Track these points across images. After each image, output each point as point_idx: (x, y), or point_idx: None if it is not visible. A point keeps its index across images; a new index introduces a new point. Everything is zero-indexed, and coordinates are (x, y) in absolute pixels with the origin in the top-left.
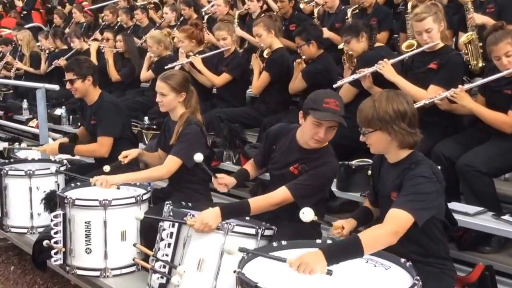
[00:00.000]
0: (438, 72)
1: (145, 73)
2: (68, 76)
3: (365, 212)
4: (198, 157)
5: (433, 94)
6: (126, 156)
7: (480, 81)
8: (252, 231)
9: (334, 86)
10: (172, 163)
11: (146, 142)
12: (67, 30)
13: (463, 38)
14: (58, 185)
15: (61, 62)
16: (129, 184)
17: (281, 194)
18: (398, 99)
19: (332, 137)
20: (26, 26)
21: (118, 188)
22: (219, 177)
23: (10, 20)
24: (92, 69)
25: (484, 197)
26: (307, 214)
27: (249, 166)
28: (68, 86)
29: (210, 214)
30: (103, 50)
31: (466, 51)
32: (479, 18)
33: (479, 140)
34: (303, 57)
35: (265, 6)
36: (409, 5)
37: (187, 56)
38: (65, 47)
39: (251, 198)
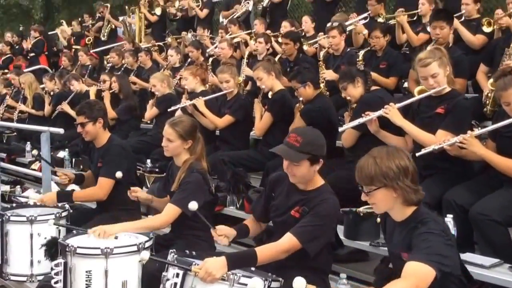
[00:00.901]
0: (445, 116)
1: (149, 113)
2: (80, 119)
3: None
4: (193, 205)
5: (441, 139)
6: (135, 192)
7: (490, 127)
8: None
9: (340, 130)
10: (171, 212)
11: (148, 186)
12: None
13: (491, 81)
14: (60, 231)
15: (64, 106)
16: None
17: (287, 241)
18: (399, 155)
19: (301, 172)
20: (32, 68)
21: (116, 238)
22: (218, 229)
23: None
24: (103, 112)
25: (500, 247)
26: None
27: (249, 222)
28: (79, 129)
29: (215, 263)
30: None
31: (489, 94)
32: None
33: (491, 187)
34: (301, 99)
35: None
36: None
37: (190, 99)
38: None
39: (258, 247)
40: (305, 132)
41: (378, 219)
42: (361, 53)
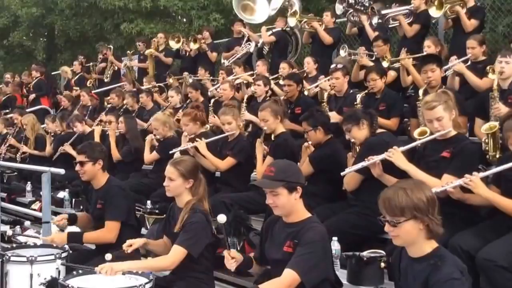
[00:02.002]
0: (451, 161)
1: (148, 155)
2: (80, 158)
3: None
4: (221, 218)
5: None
6: (131, 245)
7: (496, 169)
8: None
9: (342, 174)
10: (177, 253)
11: (148, 227)
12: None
13: (485, 126)
14: (59, 272)
15: (66, 147)
16: (131, 272)
17: (287, 275)
18: (427, 187)
19: (281, 201)
20: (33, 108)
21: (124, 273)
22: (231, 252)
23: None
24: (104, 154)
25: None
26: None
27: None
28: (77, 167)
29: None
30: (107, 133)
31: (486, 140)
32: (504, 109)
33: (498, 233)
34: (309, 142)
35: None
36: (420, 91)
37: (192, 141)
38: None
39: (262, 284)
40: (277, 162)
41: (383, 264)
42: (359, 96)
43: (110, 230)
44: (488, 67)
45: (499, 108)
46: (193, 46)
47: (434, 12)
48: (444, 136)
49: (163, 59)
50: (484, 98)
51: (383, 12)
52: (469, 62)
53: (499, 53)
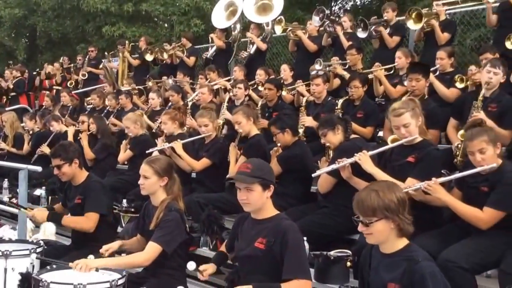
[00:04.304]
0: (416, 165)
1: (123, 155)
2: (55, 162)
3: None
4: (191, 266)
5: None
6: (108, 250)
7: (453, 176)
8: None
9: (313, 175)
10: (152, 250)
11: (123, 225)
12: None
13: (461, 132)
14: (33, 266)
15: (44, 149)
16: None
17: (297, 283)
18: (398, 188)
19: (254, 197)
20: (12, 107)
21: (97, 270)
22: (203, 270)
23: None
24: (78, 152)
25: None
26: None
27: (223, 248)
28: (55, 171)
29: None
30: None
31: (459, 145)
32: (483, 117)
33: (459, 236)
34: (279, 144)
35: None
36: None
37: (168, 141)
38: None
39: (283, 284)
40: (253, 160)
41: (349, 263)
42: (340, 102)
43: (89, 219)
44: (456, 76)
45: (478, 116)
46: (166, 56)
47: (412, 25)
48: (410, 142)
49: (130, 60)
50: (464, 102)
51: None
52: (437, 73)
53: (489, 63)
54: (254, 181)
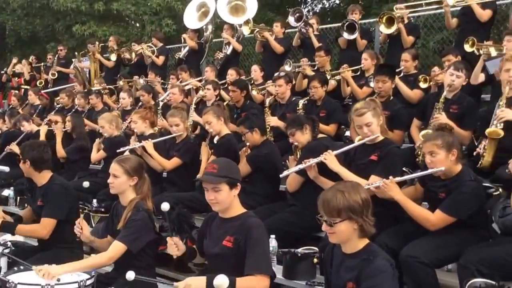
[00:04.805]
0: (378, 163)
1: (96, 155)
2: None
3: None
4: (165, 206)
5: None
6: (82, 228)
7: (407, 176)
8: None
9: (281, 175)
10: (116, 249)
11: (93, 225)
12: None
13: (423, 133)
14: (0, 268)
15: (13, 147)
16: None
17: (256, 278)
18: (363, 189)
19: (222, 196)
20: None
21: (59, 280)
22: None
23: None
24: (31, 154)
25: None
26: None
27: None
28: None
29: (197, 281)
30: (54, 133)
31: (421, 145)
32: (444, 120)
33: (421, 232)
34: (248, 144)
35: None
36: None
37: (139, 141)
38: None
39: (238, 278)
40: (219, 160)
41: (315, 260)
42: (301, 102)
43: (44, 227)
44: (420, 76)
45: (439, 118)
46: (134, 55)
47: (384, 29)
48: (373, 141)
49: (104, 61)
50: (427, 103)
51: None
52: (401, 74)
53: (452, 65)
54: (220, 181)
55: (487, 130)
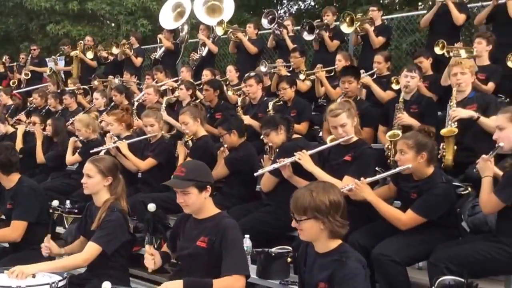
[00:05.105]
0: (352, 164)
1: (71, 157)
2: None
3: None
4: (151, 206)
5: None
6: (48, 248)
7: (378, 176)
8: None
9: (255, 174)
10: (91, 250)
11: (66, 226)
12: None
13: (389, 133)
14: None
15: None
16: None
17: (230, 278)
18: (333, 191)
19: (191, 200)
20: None
21: (34, 276)
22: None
23: None
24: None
25: (399, 285)
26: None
27: (166, 248)
28: None
29: (173, 285)
30: (32, 132)
31: (389, 146)
32: (407, 119)
33: (393, 230)
34: (225, 145)
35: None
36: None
37: (114, 142)
38: None
39: (215, 279)
40: (188, 163)
41: (289, 259)
42: (270, 103)
43: (14, 230)
44: (392, 78)
45: (402, 117)
46: (115, 51)
47: (345, 29)
48: (347, 142)
49: (88, 62)
50: (388, 108)
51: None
52: (374, 76)
53: (405, 68)
54: (188, 184)
55: (442, 131)
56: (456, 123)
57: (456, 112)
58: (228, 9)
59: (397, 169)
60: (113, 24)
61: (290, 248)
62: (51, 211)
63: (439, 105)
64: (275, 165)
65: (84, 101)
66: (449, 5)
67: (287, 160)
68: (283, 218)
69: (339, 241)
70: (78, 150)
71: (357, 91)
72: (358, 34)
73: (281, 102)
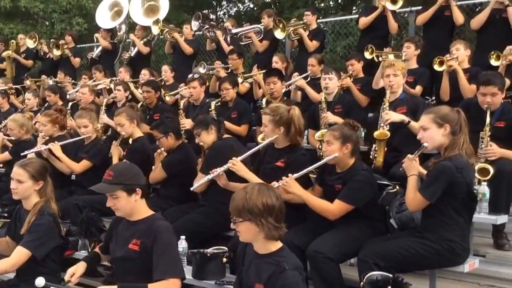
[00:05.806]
0: (285, 170)
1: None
2: None
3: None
4: (40, 281)
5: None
6: None
7: (305, 170)
8: None
9: (191, 189)
10: (20, 254)
11: None
12: None
13: (318, 134)
14: None
15: None
16: None
17: (166, 284)
18: (268, 193)
19: (120, 203)
20: None
21: None
22: (72, 275)
23: None
24: None
25: (332, 281)
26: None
27: (98, 250)
28: None
29: None
30: None
31: (320, 146)
32: (332, 117)
33: (326, 227)
34: (162, 148)
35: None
36: (263, 101)
37: (46, 143)
38: None
39: (150, 284)
40: (117, 166)
41: (224, 259)
42: (213, 103)
43: None
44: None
45: (327, 116)
46: (57, 53)
47: (278, 34)
48: (280, 145)
49: (23, 62)
50: (314, 112)
51: (236, 30)
52: (309, 78)
53: (323, 71)
54: (115, 188)
55: (375, 133)
56: (388, 126)
57: (388, 115)
58: (164, 8)
59: (325, 160)
60: (47, 23)
61: (226, 248)
62: None
63: (371, 107)
64: (209, 177)
65: (16, 101)
66: (388, 14)
67: (220, 169)
68: (218, 218)
69: (279, 244)
70: (8, 149)
71: (282, 91)
72: (292, 38)
73: (222, 103)
